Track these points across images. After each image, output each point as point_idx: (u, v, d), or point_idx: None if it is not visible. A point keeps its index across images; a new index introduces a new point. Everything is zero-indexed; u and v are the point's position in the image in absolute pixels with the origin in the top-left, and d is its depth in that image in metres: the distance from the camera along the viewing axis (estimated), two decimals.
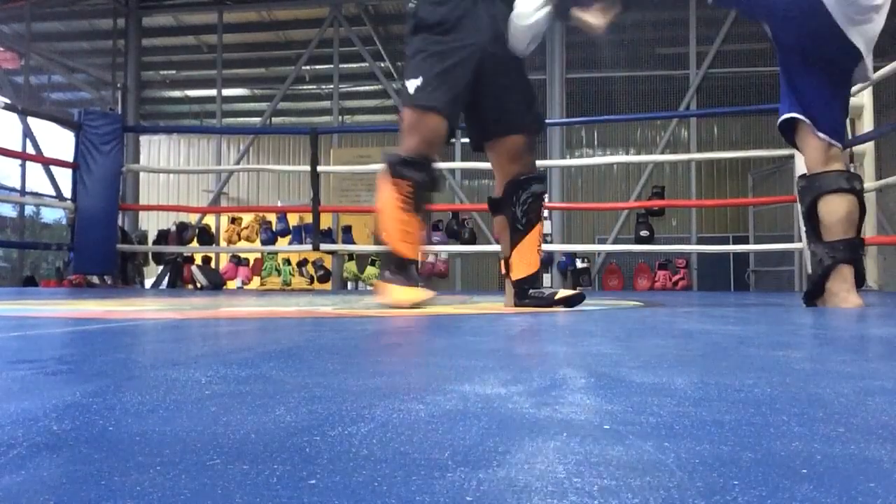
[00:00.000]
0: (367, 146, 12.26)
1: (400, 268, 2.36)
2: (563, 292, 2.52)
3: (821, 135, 2.61)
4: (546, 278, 9.62)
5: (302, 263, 9.29)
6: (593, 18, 2.47)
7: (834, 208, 2.58)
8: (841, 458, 0.43)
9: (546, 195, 2.64)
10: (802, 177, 2.73)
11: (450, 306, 2.79)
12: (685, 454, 0.44)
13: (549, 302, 2.45)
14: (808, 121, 2.62)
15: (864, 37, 2.51)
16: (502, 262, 2.60)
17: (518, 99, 2.54)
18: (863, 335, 1.47)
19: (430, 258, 8.67)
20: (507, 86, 2.50)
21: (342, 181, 10.97)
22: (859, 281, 2.59)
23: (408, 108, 2.40)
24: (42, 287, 7.53)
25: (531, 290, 2.48)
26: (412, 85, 2.37)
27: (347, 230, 9.15)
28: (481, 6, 2.45)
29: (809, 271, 2.69)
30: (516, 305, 2.49)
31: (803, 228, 3.17)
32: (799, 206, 2.71)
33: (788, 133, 2.73)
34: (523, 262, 2.50)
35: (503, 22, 2.46)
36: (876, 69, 4.94)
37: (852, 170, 2.75)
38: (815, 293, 2.63)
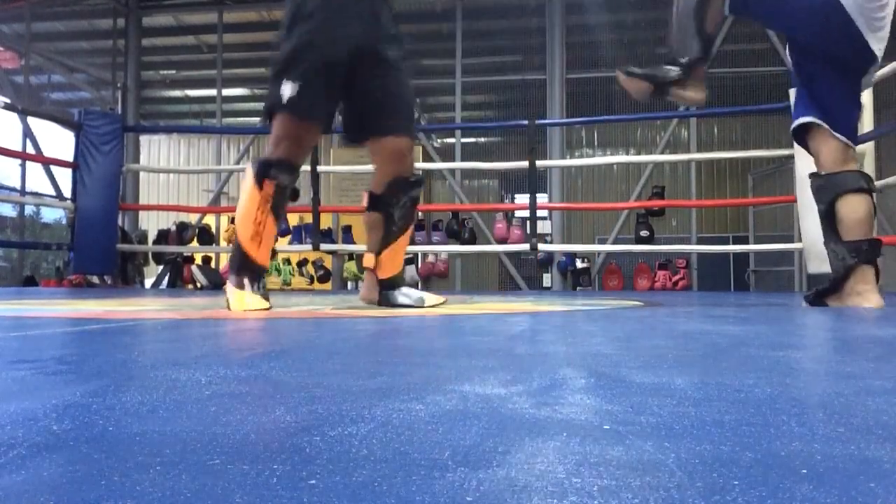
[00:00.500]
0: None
1: (245, 270, 2.27)
2: (430, 299, 2.51)
3: (839, 136, 2.63)
4: (546, 278, 9.64)
5: (302, 263, 9.29)
6: (693, 93, 2.57)
7: (855, 207, 2.59)
8: (841, 458, 0.43)
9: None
10: (817, 175, 2.72)
11: (449, 306, 2.79)
12: (685, 454, 0.44)
13: (419, 305, 2.45)
14: (825, 124, 2.64)
15: (880, 42, 2.55)
16: (365, 256, 2.60)
17: (401, 99, 2.50)
18: (863, 335, 1.47)
19: (431, 258, 8.67)
20: (391, 86, 2.45)
21: (342, 181, 10.97)
22: (876, 279, 2.62)
23: (283, 115, 2.30)
24: (42, 287, 7.53)
25: (398, 292, 2.49)
26: (289, 89, 2.24)
27: (347, 230, 9.15)
28: (364, 1, 2.38)
29: (829, 269, 2.70)
30: (380, 303, 2.50)
31: (804, 228, 3.19)
32: (816, 204, 2.72)
33: (800, 135, 2.75)
34: (393, 261, 2.54)
35: (387, 19, 2.43)
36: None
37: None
38: (827, 292, 2.64)
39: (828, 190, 2.65)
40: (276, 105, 2.28)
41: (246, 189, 2.31)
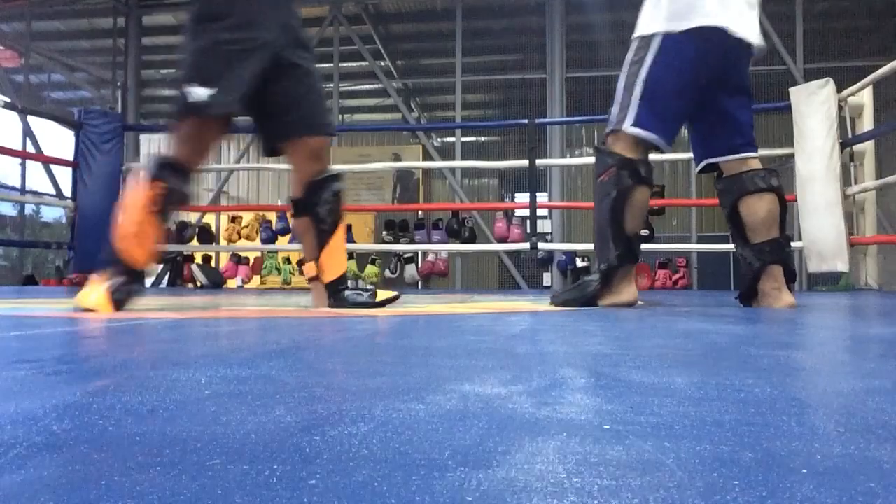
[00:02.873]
0: (367, 145, 12.25)
1: (111, 266, 2.13)
2: (382, 294, 2.47)
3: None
4: (546, 277, 9.63)
5: (302, 262, 9.29)
6: (624, 297, 2.51)
7: (754, 209, 2.58)
8: (841, 458, 0.43)
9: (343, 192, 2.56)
10: (720, 179, 2.71)
11: (450, 306, 2.79)
12: (685, 454, 0.44)
13: (371, 304, 2.40)
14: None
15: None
16: (305, 266, 2.54)
17: (317, 100, 2.46)
18: (863, 335, 1.47)
19: (431, 257, 8.66)
20: (305, 87, 2.39)
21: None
22: (790, 278, 2.61)
23: (194, 115, 2.19)
24: (42, 286, 7.53)
25: (347, 292, 2.43)
26: (205, 92, 2.13)
27: (347, 229, 9.14)
28: (275, 1, 2.32)
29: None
30: (331, 307, 2.40)
31: (804, 228, 3.20)
32: (722, 209, 2.73)
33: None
34: (334, 262, 2.44)
35: (296, 20, 2.40)
36: (876, 68, 4.95)
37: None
38: (748, 295, 2.63)
39: (729, 193, 2.65)
40: (184, 106, 2.17)
41: (134, 186, 2.21)
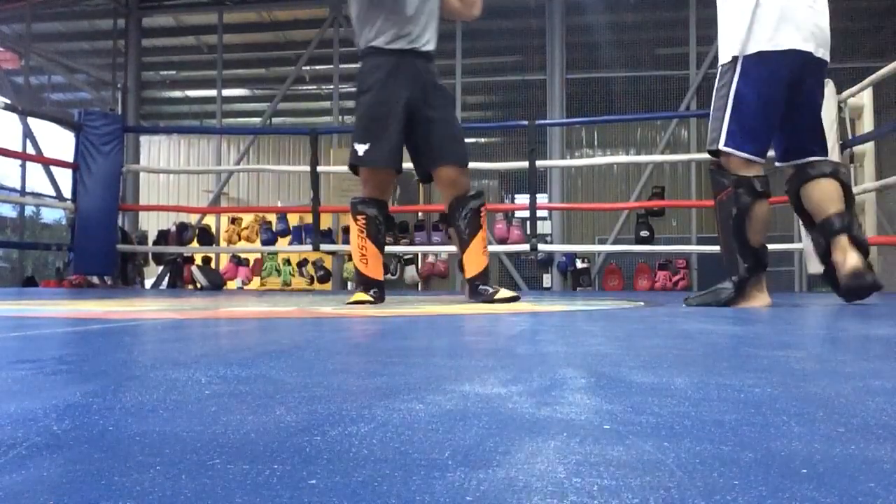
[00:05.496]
0: None
1: (360, 283, 3.01)
2: (503, 293, 3.00)
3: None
4: (545, 278, 9.62)
5: (302, 264, 9.28)
6: (757, 302, 2.64)
7: (811, 192, 2.80)
8: (841, 458, 0.43)
9: (484, 206, 3.18)
10: (789, 179, 2.91)
11: (450, 306, 2.79)
12: (685, 454, 0.44)
13: (490, 299, 2.95)
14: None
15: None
16: (458, 263, 3.18)
17: (450, 136, 3.09)
18: (863, 335, 1.47)
19: (430, 258, 8.66)
20: (438, 127, 3.04)
21: (342, 181, 10.95)
22: (864, 250, 2.77)
23: (362, 168, 3.00)
24: (42, 287, 7.53)
25: (480, 287, 3.01)
26: (361, 149, 2.96)
27: (347, 230, 9.13)
28: (402, 66, 2.96)
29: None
30: (470, 297, 3.06)
31: (805, 229, 3.29)
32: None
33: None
34: (473, 262, 3.07)
35: (428, 74, 3.03)
36: (876, 69, 4.95)
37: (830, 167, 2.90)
38: (827, 273, 2.82)
39: (793, 181, 2.86)
40: (355, 160, 3.00)
41: (351, 223, 3.06)
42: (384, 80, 2.95)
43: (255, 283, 9.06)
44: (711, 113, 2.79)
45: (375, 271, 2.99)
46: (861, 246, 2.74)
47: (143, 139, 12.83)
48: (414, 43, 2.99)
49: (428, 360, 0.94)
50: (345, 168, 3.39)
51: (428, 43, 3.04)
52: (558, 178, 9.45)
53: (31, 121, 9.70)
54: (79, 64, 11.43)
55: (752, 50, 2.65)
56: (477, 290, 3.01)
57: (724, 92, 2.71)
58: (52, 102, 11.97)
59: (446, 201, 3.14)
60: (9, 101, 9.56)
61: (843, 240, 2.71)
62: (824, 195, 2.76)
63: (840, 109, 5.25)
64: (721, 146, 2.69)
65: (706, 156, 2.96)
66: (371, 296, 2.91)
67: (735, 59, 2.69)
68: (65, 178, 8.49)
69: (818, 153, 2.85)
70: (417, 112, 2.99)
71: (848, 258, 2.69)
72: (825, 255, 2.77)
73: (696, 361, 0.94)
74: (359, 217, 2.99)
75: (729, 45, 2.73)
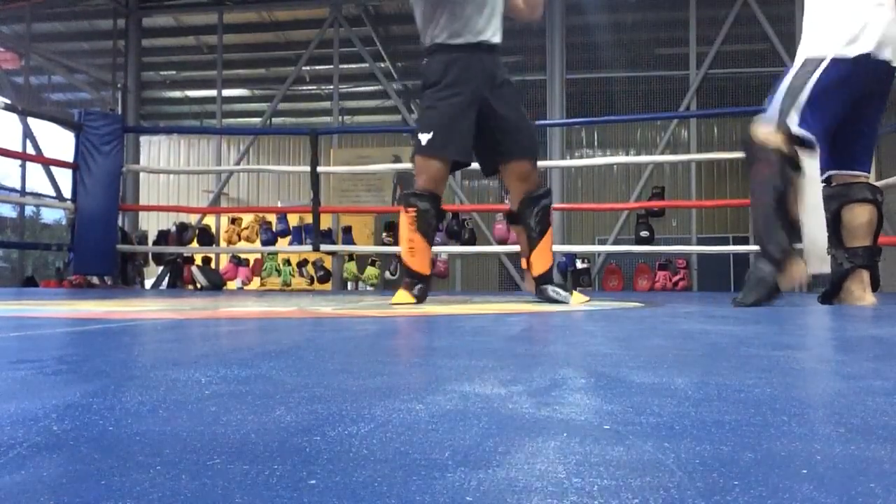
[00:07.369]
0: (367, 147, 12.25)
1: (406, 276, 2.95)
2: (577, 297, 3.00)
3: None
4: None
5: (302, 264, 9.28)
6: (796, 272, 2.69)
7: (855, 215, 2.91)
8: (841, 458, 0.43)
9: (551, 205, 3.18)
10: (829, 186, 3.00)
11: (450, 306, 2.79)
12: (685, 454, 0.44)
13: (563, 303, 2.91)
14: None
15: None
16: (522, 259, 3.22)
17: (521, 130, 3.06)
18: (863, 335, 1.47)
19: None
20: (508, 121, 3.01)
21: (342, 182, 10.97)
22: (875, 284, 2.91)
23: (418, 155, 2.97)
24: (42, 287, 7.53)
25: (550, 288, 3.02)
26: (424, 138, 2.92)
27: (347, 231, 9.14)
28: (469, 61, 2.95)
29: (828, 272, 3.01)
30: (536, 294, 3.08)
31: (805, 229, 3.31)
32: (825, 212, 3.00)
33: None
34: (541, 260, 3.09)
35: (495, 68, 3.00)
36: None
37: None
38: (832, 293, 2.91)
39: (836, 199, 2.94)
40: (416, 149, 2.98)
41: (401, 215, 2.99)
42: (453, 75, 2.94)
43: (255, 283, 9.06)
44: (779, 93, 2.83)
45: (422, 265, 2.94)
46: (875, 281, 2.89)
47: (143, 139, 12.83)
48: (479, 36, 2.99)
49: (428, 360, 0.94)
50: (345, 168, 3.40)
51: (493, 36, 3.03)
52: (558, 179, 9.45)
53: (31, 121, 9.70)
54: (79, 64, 11.43)
55: (840, 53, 2.72)
56: (544, 288, 3.03)
57: (804, 79, 2.76)
58: (52, 102, 11.97)
59: (516, 195, 3.13)
60: (9, 101, 9.56)
61: (865, 275, 2.85)
62: (862, 222, 2.89)
63: None
64: (794, 127, 2.74)
65: (706, 156, 3.06)
66: (414, 294, 2.87)
67: (823, 57, 2.75)
68: (65, 178, 8.49)
69: (863, 168, 2.96)
70: (486, 106, 2.98)
71: (867, 295, 2.83)
72: (842, 277, 2.87)
73: (696, 361, 0.94)
74: (409, 209, 2.95)
75: (817, 42, 2.80)
